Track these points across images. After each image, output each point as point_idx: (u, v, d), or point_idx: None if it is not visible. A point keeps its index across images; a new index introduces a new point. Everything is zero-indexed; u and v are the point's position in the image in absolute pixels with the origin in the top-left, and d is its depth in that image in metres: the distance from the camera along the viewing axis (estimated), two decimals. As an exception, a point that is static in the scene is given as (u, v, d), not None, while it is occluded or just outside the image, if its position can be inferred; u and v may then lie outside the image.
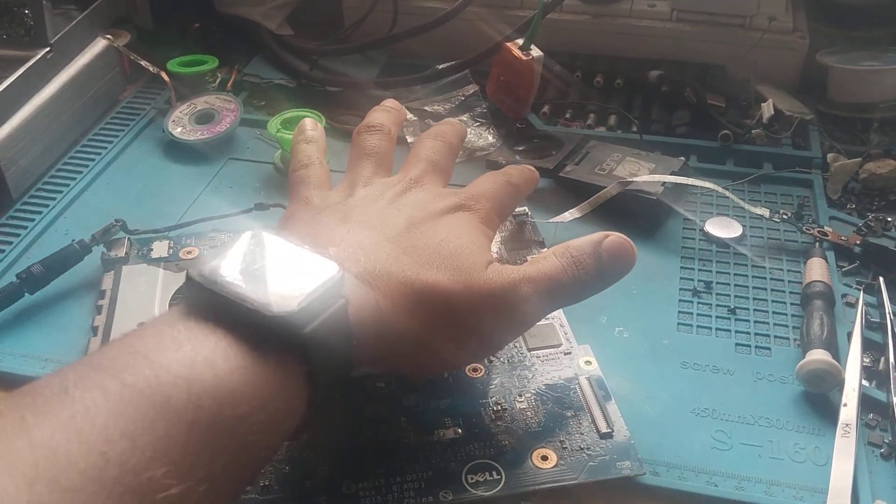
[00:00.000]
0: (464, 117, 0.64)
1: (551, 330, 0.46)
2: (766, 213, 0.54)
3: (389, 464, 0.38)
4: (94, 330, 0.46)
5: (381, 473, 0.38)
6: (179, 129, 0.63)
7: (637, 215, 0.55)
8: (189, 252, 0.52)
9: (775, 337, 0.47)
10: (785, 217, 0.54)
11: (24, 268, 0.49)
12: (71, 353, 0.46)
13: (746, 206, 0.55)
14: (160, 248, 0.52)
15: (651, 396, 0.43)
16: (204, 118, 0.64)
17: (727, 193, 0.55)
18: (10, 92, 0.57)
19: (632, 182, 0.54)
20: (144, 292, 0.49)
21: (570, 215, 0.54)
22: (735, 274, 0.52)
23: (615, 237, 0.40)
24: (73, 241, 0.51)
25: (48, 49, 0.61)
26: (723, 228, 0.55)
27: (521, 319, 0.39)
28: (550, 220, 0.54)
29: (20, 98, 0.58)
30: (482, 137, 0.63)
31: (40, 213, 0.57)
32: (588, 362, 0.44)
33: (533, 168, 0.50)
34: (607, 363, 0.44)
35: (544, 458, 0.39)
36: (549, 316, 0.46)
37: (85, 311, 0.49)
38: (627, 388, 0.43)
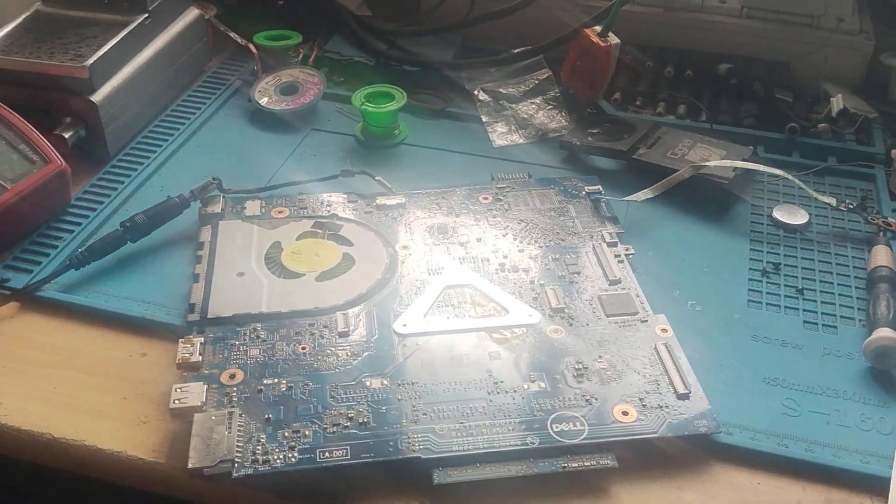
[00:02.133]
0: (536, 100, 0.66)
1: (628, 299, 0.48)
2: (833, 201, 0.57)
3: (477, 409, 0.41)
4: (196, 277, 0.49)
5: (471, 416, 0.40)
6: (266, 99, 0.66)
7: (707, 199, 0.57)
8: (280, 212, 0.55)
9: (841, 317, 0.50)
10: (851, 206, 0.56)
11: (127, 217, 0.52)
12: (173, 297, 0.49)
13: (815, 195, 0.57)
14: (253, 207, 0.55)
15: (723, 365, 0.45)
16: (288, 90, 0.67)
17: (796, 181, 0.57)
18: (113, 53, 0.60)
19: (704, 166, 0.56)
20: (241, 245, 0.51)
21: (643, 195, 0.56)
22: (802, 258, 0.54)
23: None
24: (171, 196, 0.54)
25: (146, 15, 0.64)
26: (790, 215, 0.57)
27: None
28: (623, 199, 0.56)
29: (121, 60, 0.61)
30: (554, 119, 0.65)
31: (136, 169, 0.60)
32: (664, 330, 0.46)
33: None
34: (681, 333, 0.46)
35: (625, 413, 0.41)
36: (624, 286, 0.49)
37: (184, 260, 0.52)
38: (700, 356, 0.45)
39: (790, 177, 0.57)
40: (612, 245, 0.52)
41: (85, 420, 0.41)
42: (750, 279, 0.52)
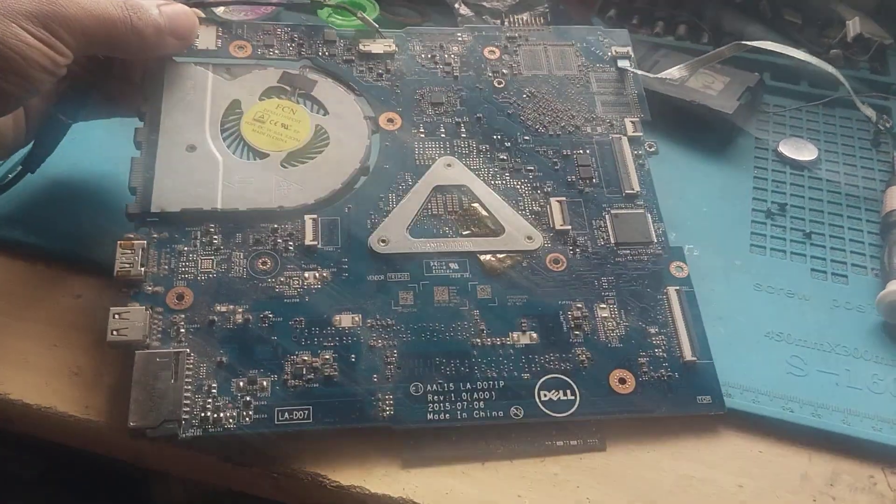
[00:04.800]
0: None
1: (643, 223, 0.41)
2: (873, 114, 0.51)
3: (459, 366, 0.36)
4: (137, 145, 0.41)
5: (451, 376, 0.36)
6: None
7: (706, 132, 0.51)
8: (241, 48, 0.45)
9: (852, 265, 0.45)
10: (887, 126, 0.51)
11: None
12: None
13: (858, 104, 0.50)
14: (207, 36, 0.44)
15: (723, 317, 0.41)
16: None
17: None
18: None
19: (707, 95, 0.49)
20: (192, 103, 0.42)
21: (677, 72, 0.47)
22: (810, 198, 0.49)
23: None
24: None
25: None
26: (797, 150, 0.51)
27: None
28: (657, 75, 0.47)
29: None
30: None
31: None
32: (680, 268, 0.40)
33: (191, 13, 0.42)
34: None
35: (622, 380, 0.37)
36: (644, 201, 0.42)
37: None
38: (699, 307, 0.40)
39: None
40: (634, 140, 0.44)
41: (8, 371, 0.36)
42: (753, 221, 0.47)
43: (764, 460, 0.37)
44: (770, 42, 0.47)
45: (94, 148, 0.46)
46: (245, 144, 0.41)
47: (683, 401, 0.37)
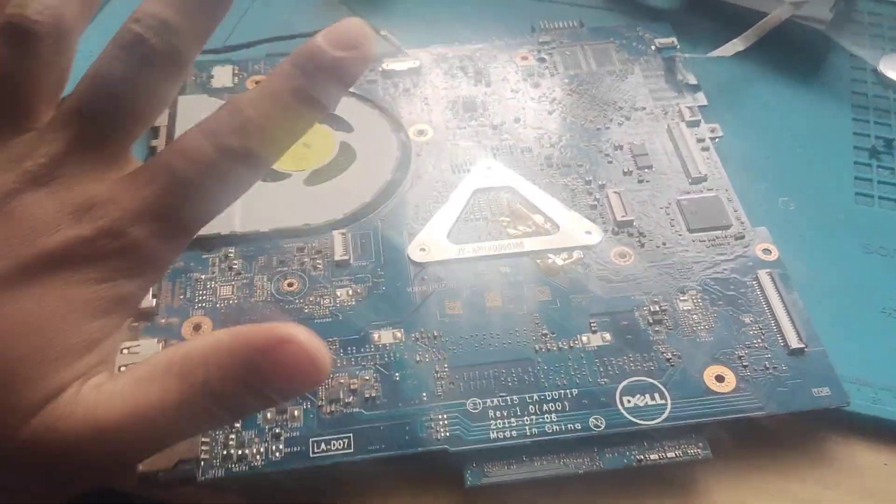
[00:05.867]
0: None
1: (717, 206, 0.36)
2: None
3: (522, 375, 0.31)
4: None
5: (514, 388, 0.30)
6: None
7: (795, 51, 0.44)
8: (258, 83, 0.42)
9: None
10: None
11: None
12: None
13: None
14: (223, 75, 0.42)
15: (828, 290, 0.34)
16: None
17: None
18: None
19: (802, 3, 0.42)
20: (207, 133, 0.39)
21: (732, 48, 0.43)
22: None
23: (291, 344, 0.20)
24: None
25: None
26: None
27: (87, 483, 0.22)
28: (708, 55, 0.43)
29: None
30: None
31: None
32: (767, 251, 0.35)
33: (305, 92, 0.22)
34: (772, 246, 0.35)
35: (719, 378, 0.31)
36: (712, 185, 0.37)
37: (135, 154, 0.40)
38: (797, 276, 0.34)
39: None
40: (693, 125, 0.40)
41: None
42: (856, 162, 0.40)
43: (889, 475, 0.30)
44: None
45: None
46: (265, 167, 0.38)
47: (796, 396, 0.30)
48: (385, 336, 0.32)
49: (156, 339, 0.31)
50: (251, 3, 0.48)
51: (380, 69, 0.43)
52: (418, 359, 0.31)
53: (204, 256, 0.34)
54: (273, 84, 0.22)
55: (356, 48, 0.22)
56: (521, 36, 0.45)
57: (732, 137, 0.40)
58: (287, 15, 0.46)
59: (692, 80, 0.42)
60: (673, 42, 0.44)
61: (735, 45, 0.43)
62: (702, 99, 0.41)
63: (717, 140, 0.39)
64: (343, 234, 0.35)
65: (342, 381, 0.30)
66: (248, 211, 0.36)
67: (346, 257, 0.34)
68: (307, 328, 0.21)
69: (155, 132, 0.39)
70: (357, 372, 0.31)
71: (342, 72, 0.22)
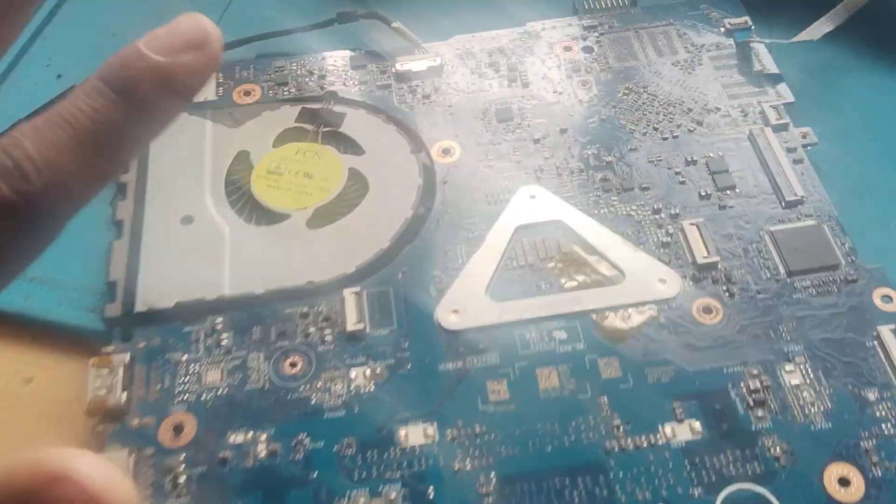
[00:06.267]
0: None
1: (821, 238, 0.29)
2: None
3: (593, 486, 0.24)
4: (118, 225, 0.31)
5: (578, 499, 0.24)
6: None
7: (886, 31, 0.36)
8: (248, 93, 0.35)
9: None
10: None
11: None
12: (80, 276, 0.31)
13: None
14: (205, 87, 0.35)
15: None
16: None
17: None
18: None
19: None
20: (186, 161, 0.32)
21: (819, 29, 0.35)
22: None
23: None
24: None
25: None
26: None
27: None
28: (791, 40, 0.35)
29: None
30: None
31: None
32: (887, 298, 0.28)
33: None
34: None
35: (843, 481, 0.24)
36: (811, 209, 0.30)
37: (100, 205, 0.32)
38: None
39: None
40: (780, 129, 0.32)
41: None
42: None
43: None
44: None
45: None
46: (258, 205, 0.31)
47: (947, 503, 0.23)
48: (414, 434, 0.25)
49: (127, 451, 0.25)
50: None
51: (393, 70, 0.35)
52: (457, 466, 0.24)
53: (185, 330, 0.28)
54: (68, 109, 0.15)
55: (195, 49, 0.16)
56: (563, 18, 0.37)
57: (827, 144, 0.32)
58: (274, 10, 0.38)
59: (773, 69, 0.34)
60: (746, 22, 0.36)
61: (822, 26, 0.35)
62: (787, 94, 0.34)
63: (809, 148, 0.32)
64: (356, 293, 0.28)
65: (362, 500, 0.24)
66: (237, 268, 0.29)
67: (360, 326, 0.27)
68: (92, 453, 0.13)
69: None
70: (380, 487, 0.24)
71: (170, 85, 0.15)
